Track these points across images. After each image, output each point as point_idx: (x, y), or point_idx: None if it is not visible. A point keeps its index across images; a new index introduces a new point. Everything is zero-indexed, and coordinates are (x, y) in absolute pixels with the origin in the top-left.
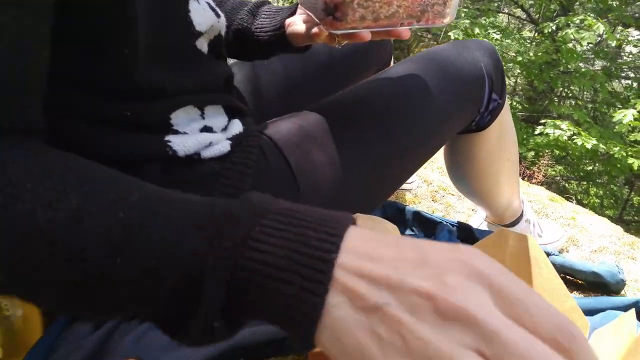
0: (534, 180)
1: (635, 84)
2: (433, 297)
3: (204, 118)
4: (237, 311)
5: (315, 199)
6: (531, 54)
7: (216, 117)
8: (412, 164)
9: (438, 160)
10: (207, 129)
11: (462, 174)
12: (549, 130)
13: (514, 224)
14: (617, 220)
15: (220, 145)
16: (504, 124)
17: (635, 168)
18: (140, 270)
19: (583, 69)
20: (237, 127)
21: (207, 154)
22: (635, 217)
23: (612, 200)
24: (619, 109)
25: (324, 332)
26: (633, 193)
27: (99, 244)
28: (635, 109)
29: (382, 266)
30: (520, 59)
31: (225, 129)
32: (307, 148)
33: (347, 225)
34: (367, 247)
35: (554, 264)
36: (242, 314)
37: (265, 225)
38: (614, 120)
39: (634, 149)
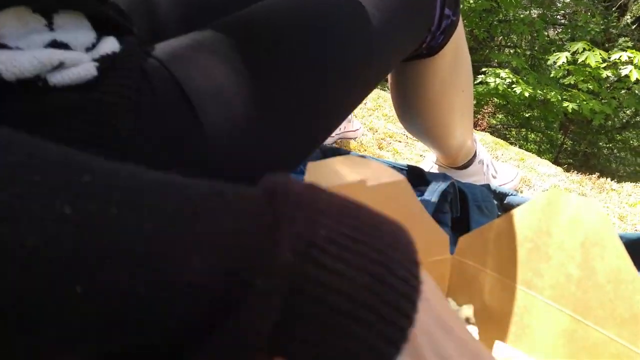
0: (478, 128)
1: (569, 30)
2: None
3: (52, 29)
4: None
5: (226, 138)
6: (471, 1)
7: (76, 30)
8: (351, 93)
9: (384, 107)
10: (57, 45)
11: (411, 109)
12: (489, 79)
13: (466, 165)
14: (554, 164)
15: (80, 68)
16: (459, 48)
17: (570, 111)
18: (120, 300)
19: (522, 15)
20: (109, 45)
21: (57, 79)
22: (569, 160)
23: (548, 146)
24: (555, 52)
25: None
26: (566, 138)
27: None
28: (569, 51)
29: (457, 350)
30: (460, 6)
31: (92, 48)
32: (210, 71)
33: (415, 249)
34: (445, 315)
35: (512, 205)
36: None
37: (330, 229)
38: (549, 63)
39: (568, 93)
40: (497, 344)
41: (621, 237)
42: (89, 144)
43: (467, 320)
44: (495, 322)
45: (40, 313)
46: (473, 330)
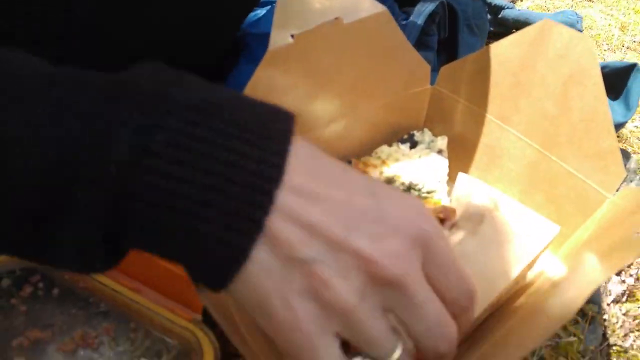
0: None
1: None
2: (373, 262)
3: None
4: (124, 242)
5: None
6: None
7: None
8: None
9: None
10: None
11: None
12: None
13: None
14: None
15: None
16: None
17: None
18: None
19: None
20: None
21: None
22: None
23: None
24: None
25: (237, 280)
26: None
27: None
28: None
29: (325, 213)
30: None
31: None
32: None
33: (289, 140)
34: (312, 184)
35: (507, 19)
36: (132, 246)
37: (172, 131)
38: None
39: None
40: (460, 175)
41: (606, 66)
42: None
43: (440, 152)
44: (468, 152)
45: None
46: (443, 161)
